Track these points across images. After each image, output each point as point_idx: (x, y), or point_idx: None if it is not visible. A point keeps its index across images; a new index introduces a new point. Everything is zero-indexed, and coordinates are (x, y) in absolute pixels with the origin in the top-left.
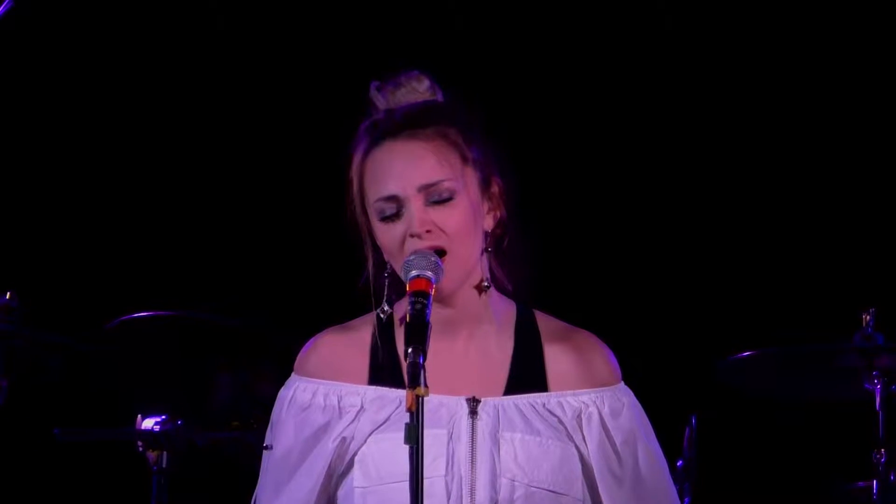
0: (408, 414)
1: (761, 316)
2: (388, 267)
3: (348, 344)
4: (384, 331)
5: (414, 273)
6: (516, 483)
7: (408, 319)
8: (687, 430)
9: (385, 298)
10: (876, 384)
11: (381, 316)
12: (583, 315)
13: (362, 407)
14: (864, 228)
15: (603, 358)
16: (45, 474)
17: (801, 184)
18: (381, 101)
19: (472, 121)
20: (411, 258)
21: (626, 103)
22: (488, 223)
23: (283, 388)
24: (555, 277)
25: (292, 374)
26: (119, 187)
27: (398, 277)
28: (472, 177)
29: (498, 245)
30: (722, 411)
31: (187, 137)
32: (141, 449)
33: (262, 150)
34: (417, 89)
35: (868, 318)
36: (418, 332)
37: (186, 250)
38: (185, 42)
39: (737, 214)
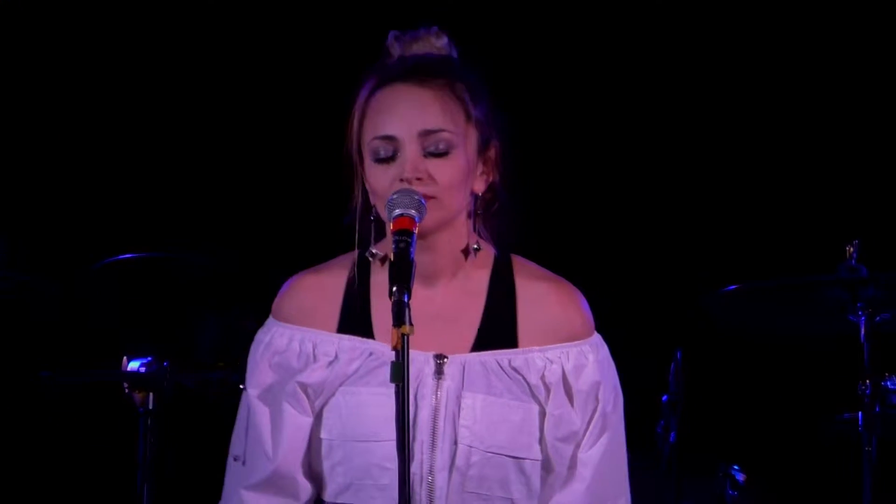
0: (383, 360)
1: (745, 250)
2: (374, 211)
3: (322, 288)
4: (360, 277)
5: (398, 212)
6: (473, 449)
7: (391, 258)
8: (672, 364)
9: (371, 242)
10: (860, 316)
11: (370, 258)
12: (567, 253)
13: (336, 357)
14: (846, 160)
15: (576, 310)
16: (33, 417)
17: (784, 117)
18: (396, 50)
19: (480, 83)
20: (394, 196)
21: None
22: (479, 185)
23: (260, 331)
24: (540, 211)
25: (269, 318)
26: (103, 131)
27: (381, 223)
28: (472, 136)
29: (487, 209)
30: (707, 345)
31: (168, 82)
32: (127, 390)
33: (240, 90)
34: (435, 44)
35: (852, 250)
36: (403, 271)
37: (170, 191)
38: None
39: (720, 148)
